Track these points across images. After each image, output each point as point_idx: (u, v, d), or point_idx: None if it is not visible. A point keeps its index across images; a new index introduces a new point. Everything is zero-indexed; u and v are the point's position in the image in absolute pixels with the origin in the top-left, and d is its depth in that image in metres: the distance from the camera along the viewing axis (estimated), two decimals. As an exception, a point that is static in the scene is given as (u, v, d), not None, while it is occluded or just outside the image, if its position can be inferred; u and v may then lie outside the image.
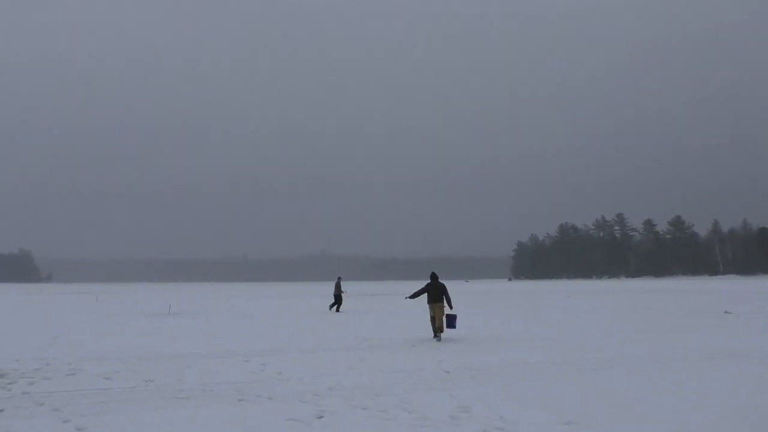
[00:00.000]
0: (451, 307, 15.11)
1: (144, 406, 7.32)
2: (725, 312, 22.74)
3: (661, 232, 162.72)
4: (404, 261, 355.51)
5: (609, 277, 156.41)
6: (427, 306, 15.31)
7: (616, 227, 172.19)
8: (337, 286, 28.40)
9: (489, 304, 33.05)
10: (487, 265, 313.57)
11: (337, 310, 27.52)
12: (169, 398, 7.82)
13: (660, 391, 8.12)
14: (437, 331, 14.77)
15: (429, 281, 15.64)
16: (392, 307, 30.97)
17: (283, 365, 10.63)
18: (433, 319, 15.05)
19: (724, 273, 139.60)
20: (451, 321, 14.90)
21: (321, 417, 6.84)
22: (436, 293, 15.05)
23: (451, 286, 16.80)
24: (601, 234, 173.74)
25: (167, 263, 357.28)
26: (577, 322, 19.20)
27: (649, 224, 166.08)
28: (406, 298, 16.82)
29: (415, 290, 16.17)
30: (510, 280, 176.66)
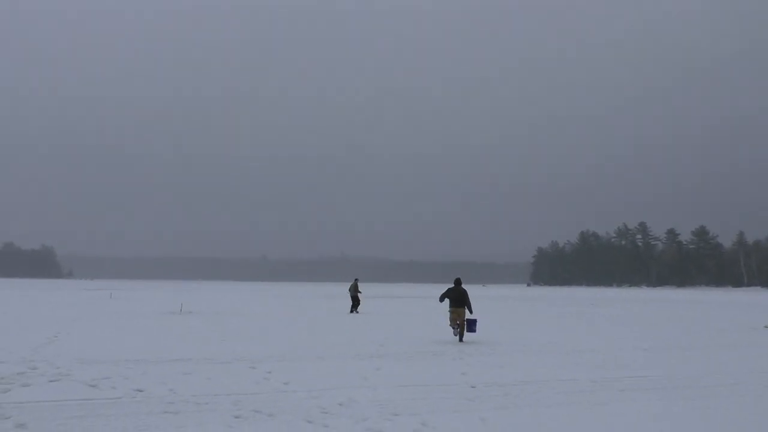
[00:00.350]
0: (471, 312, 15.25)
1: (124, 424, 6.32)
2: (765, 327, 21.28)
3: (684, 242, 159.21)
4: (423, 264, 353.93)
5: (630, 286, 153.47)
6: (449, 310, 15.51)
7: (638, 236, 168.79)
8: (354, 288, 27.84)
9: (510, 310, 31.76)
10: (506, 270, 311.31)
11: (356, 311, 27.27)
12: (156, 413, 6.82)
13: (729, 421, 6.94)
14: (457, 333, 15.13)
15: (452, 285, 15.82)
16: (410, 310, 29.90)
17: (292, 374, 9.61)
18: (454, 323, 15.25)
19: (748, 285, 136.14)
20: (471, 325, 15.18)
21: (328, 442, 5.80)
22: (458, 298, 15.23)
23: (469, 291, 15.93)
24: (623, 242, 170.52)
25: (187, 261, 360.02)
26: (607, 333, 17.91)
27: (672, 233, 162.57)
28: (440, 300, 16.07)
29: (442, 293, 16.04)
30: (529, 285, 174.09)
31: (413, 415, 6.94)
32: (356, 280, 29.12)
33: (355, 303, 27.61)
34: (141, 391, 8.04)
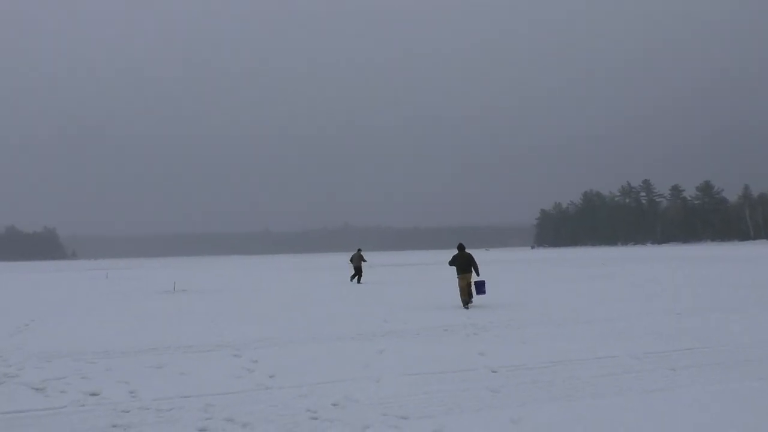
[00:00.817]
0: (478, 275, 15.32)
1: (54, 447, 4.93)
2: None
3: (689, 198, 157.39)
4: (426, 231, 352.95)
5: (635, 244, 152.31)
6: (457, 277, 15.39)
7: (642, 193, 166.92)
8: (358, 258, 26.64)
9: (518, 274, 30.37)
10: (510, 233, 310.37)
11: (359, 282, 26.28)
12: (101, 428, 5.42)
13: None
14: (466, 302, 14.87)
15: (456, 252, 15.67)
16: (415, 278, 28.58)
17: (280, 363, 8.22)
18: (462, 290, 15.10)
19: (755, 238, 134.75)
20: (480, 287, 15.11)
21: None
22: (464, 264, 15.16)
23: (473, 256, 14.94)
24: (627, 200, 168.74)
25: (192, 237, 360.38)
26: (630, 297, 16.48)
27: (676, 190, 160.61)
28: (449, 264, 16.04)
29: (449, 260, 16.06)
30: (533, 248, 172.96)
31: (425, 417, 5.53)
32: (359, 249, 27.84)
33: (358, 273, 26.52)
34: (95, 395, 6.65)
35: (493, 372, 7.36)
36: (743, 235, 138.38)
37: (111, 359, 8.82)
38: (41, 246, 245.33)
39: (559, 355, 8.27)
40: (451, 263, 15.62)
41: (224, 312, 15.35)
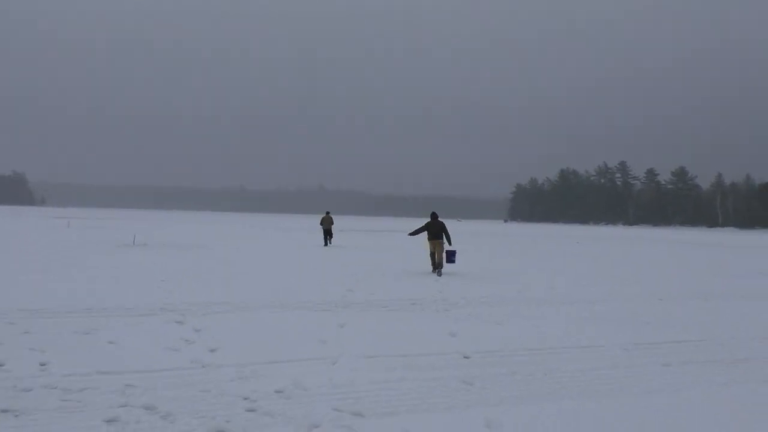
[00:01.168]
0: (450, 244, 15.31)
1: None
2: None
3: (663, 182, 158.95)
4: (401, 198, 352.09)
5: (606, 224, 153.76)
6: (427, 243, 15.62)
7: (618, 175, 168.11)
8: (328, 220, 25.81)
9: (492, 247, 29.75)
10: (484, 206, 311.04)
11: (326, 244, 25.75)
12: (-16, 413, 4.41)
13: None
14: (437, 266, 15.01)
15: (429, 220, 15.74)
16: (386, 244, 27.75)
17: (226, 333, 7.26)
18: (432, 255, 15.35)
19: (723, 225, 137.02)
20: (451, 256, 15.29)
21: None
22: (435, 231, 15.29)
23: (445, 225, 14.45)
24: (602, 181, 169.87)
25: (166, 190, 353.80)
26: (609, 277, 15.84)
27: (651, 173, 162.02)
28: (408, 234, 17.22)
29: (416, 228, 16.43)
30: (506, 222, 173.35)
31: (385, 414, 4.64)
32: (328, 212, 26.92)
33: (328, 236, 25.78)
34: (0, 365, 5.62)
35: (466, 358, 6.51)
36: (712, 222, 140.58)
37: (34, 320, 7.75)
38: (10, 190, 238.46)
39: (539, 341, 7.46)
40: (419, 230, 15.96)
41: (180, 270, 14.26)
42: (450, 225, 17.75)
